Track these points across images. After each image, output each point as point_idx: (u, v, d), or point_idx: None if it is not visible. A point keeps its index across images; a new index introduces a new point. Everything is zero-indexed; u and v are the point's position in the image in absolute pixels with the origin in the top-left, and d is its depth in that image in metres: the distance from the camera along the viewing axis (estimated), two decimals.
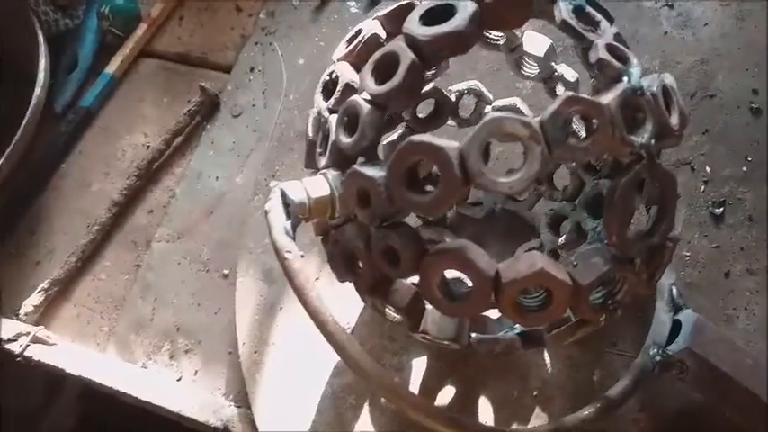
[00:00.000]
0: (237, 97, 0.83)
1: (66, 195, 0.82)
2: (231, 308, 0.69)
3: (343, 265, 0.49)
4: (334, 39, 0.79)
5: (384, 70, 0.44)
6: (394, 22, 0.50)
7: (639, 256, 0.43)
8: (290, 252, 0.44)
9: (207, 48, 0.88)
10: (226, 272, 0.73)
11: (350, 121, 0.45)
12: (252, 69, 0.85)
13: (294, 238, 0.45)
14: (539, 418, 0.58)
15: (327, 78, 0.49)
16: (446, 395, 0.60)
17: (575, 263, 0.42)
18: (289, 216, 0.45)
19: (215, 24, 0.90)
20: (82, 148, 0.84)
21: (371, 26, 0.50)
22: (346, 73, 0.48)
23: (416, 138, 0.40)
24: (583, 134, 0.42)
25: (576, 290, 0.41)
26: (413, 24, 0.43)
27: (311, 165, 0.51)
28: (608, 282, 0.42)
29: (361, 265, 0.47)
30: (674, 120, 0.43)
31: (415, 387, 0.61)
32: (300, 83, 0.81)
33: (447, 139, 0.40)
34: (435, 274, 0.42)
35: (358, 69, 0.49)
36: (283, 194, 0.45)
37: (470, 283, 0.42)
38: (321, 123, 0.49)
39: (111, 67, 0.87)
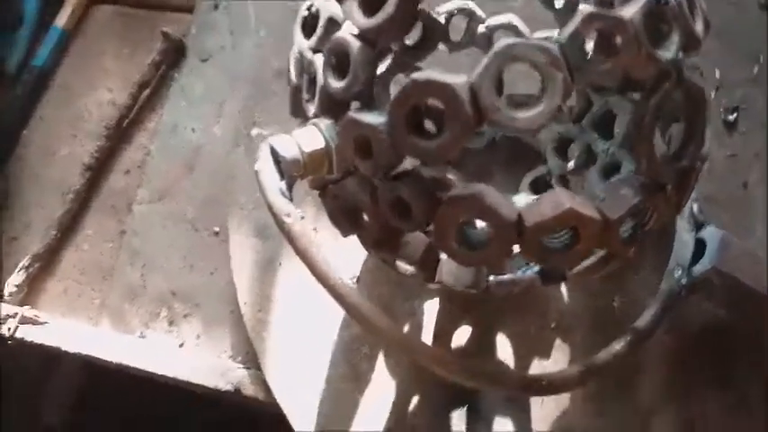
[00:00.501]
0: (204, 40, 0.77)
1: (34, 164, 0.76)
2: (227, 267, 0.65)
3: (345, 219, 0.45)
4: None
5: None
6: None
7: (669, 181, 0.39)
8: (288, 215, 0.40)
9: None
10: (216, 229, 0.69)
11: (339, 62, 0.40)
12: (216, 7, 0.78)
13: (291, 199, 0.41)
14: (560, 351, 0.56)
15: (306, 13, 0.44)
16: (461, 336, 0.58)
17: (602, 196, 0.39)
18: (282, 174, 0.41)
19: None
20: (42, 113, 0.79)
21: None
22: (328, 5, 0.42)
23: (419, 76, 0.35)
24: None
25: (606, 225, 0.37)
26: None
27: (298, 113, 0.46)
28: (637, 212, 0.39)
29: (366, 218, 0.44)
30: (698, 27, 0.38)
31: (429, 331, 0.58)
32: (270, 17, 0.74)
33: (453, 74, 0.36)
34: (451, 224, 0.38)
35: (340, 0, 0.44)
36: (273, 151, 0.41)
37: (489, 229, 0.38)
38: (305, 65, 0.44)
39: (61, 20, 0.79)
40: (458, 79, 0.35)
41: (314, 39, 0.42)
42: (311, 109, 0.43)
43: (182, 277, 0.69)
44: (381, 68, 0.54)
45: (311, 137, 0.41)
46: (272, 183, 0.40)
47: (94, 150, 0.73)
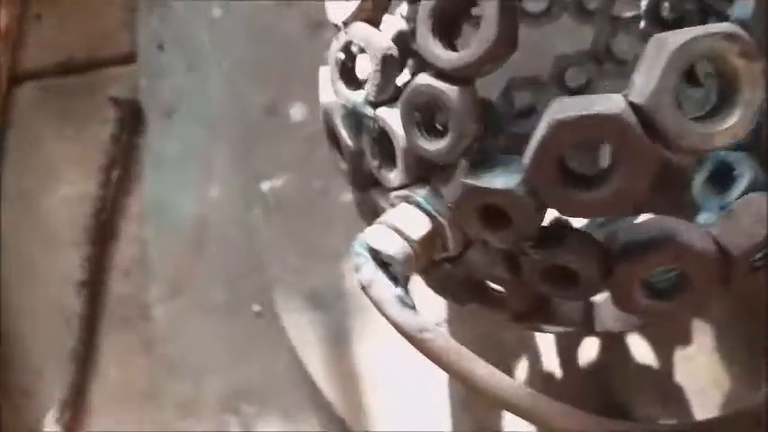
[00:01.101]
0: (160, 90, 0.64)
1: (17, 294, 0.64)
2: (283, 348, 0.56)
3: (467, 294, 0.35)
4: None
5: (450, 20, 0.28)
6: None
7: None
8: (423, 330, 0.30)
9: (91, 41, 0.67)
10: (256, 309, 0.59)
11: (426, 114, 0.29)
12: (161, 47, 0.65)
13: (414, 306, 0.31)
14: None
15: (342, 55, 0.33)
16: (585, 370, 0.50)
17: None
18: (395, 279, 0.30)
19: (86, 6, 0.67)
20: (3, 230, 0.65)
21: None
22: (373, 39, 0.31)
23: (563, 115, 0.25)
24: None
25: None
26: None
27: (362, 182, 0.36)
28: None
29: (502, 289, 0.34)
30: None
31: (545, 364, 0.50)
32: (231, 43, 0.62)
33: (602, 96, 0.26)
34: (636, 282, 0.29)
35: (378, 26, 0.33)
36: (374, 252, 0.30)
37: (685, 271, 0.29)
38: (364, 124, 0.33)
39: None
40: (613, 105, 0.25)
41: (370, 87, 0.31)
42: (392, 178, 0.32)
43: (237, 373, 0.58)
44: None
45: (412, 218, 0.31)
46: (389, 295, 0.30)
47: (81, 260, 0.61)
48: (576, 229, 0.29)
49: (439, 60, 0.27)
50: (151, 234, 0.62)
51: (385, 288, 0.30)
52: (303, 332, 0.55)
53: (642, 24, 0.46)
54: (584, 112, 0.25)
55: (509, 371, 0.51)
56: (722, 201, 0.42)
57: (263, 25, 0.60)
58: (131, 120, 0.63)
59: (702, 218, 0.43)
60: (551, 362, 0.50)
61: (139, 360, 0.61)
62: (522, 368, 0.51)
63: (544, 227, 0.29)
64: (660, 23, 0.45)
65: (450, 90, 0.27)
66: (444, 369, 0.30)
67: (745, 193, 0.41)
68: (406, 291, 0.31)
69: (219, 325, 0.59)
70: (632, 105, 0.25)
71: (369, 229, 0.31)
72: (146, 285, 0.61)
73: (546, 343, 0.51)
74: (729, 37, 0.24)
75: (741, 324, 0.49)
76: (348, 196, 0.56)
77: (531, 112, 0.52)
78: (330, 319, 0.54)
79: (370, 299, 0.30)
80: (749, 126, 0.25)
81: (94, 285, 0.62)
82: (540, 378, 0.50)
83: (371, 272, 0.30)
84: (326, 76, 0.37)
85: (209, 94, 0.62)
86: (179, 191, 0.62)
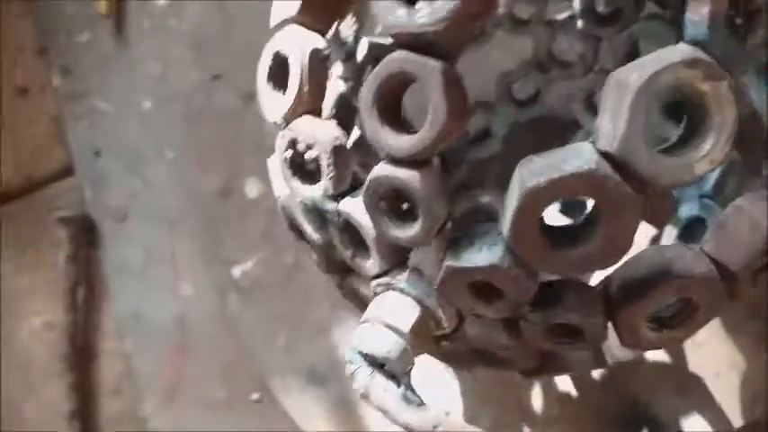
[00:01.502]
0: (107, 197, 0.61)
1: None
2: None
3: (471, 360, 0.34)
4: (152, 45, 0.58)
5: (394, 101, 0.26)
6: (316, 13, 0.31)
7: None
8: (437, 426, 0.28)
9: (24, 162, 0.64)
10: (255, 397, 0.57)
11: (392, 203, 0.28)
12: (97, 153, 0.62)
13: (421, 399, 0.29)
14: None
15: (290, 152, 0.31)
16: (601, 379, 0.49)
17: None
18: (394, 377, 0.29)
19: (11, 128, 0.65)
20: None
21: (293, 38, 0.31)
22: (319, 134, 0.29)
23: (535, 182, 0.24)
24: None
25: None
26: (393, 12, 0.25)
27: (335, 270, 0.34)
28: None
29: (504, 354, 0.32)
30: None
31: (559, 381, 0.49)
32: (167, 131, 0.60)
33: (570, 149, 0.24)
34: (641, 322, 0.28)
35: (318, 115, 0.31)
36: (369, 357, 0.29)
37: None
38: (328, 218, 0.31)
39: None
40: (589, 158, 0.24)
41: (326, 182, 0.30)
42: (368, 266, 0.31)
43: None
44: None
45: (399, 307, 0.29)
46: (393, 398, 0.28)
47: (66, 390, 0.58)
48: (572, 282, 0.28)
49: (393, 150, 0.26)
50: (132, 347, 0.59)
51: (385, 392, 0.28)
52: (307, 412, 0.53)
53: (579, 24, 0.46)
54: (555, 176, 0.24)
55: (526, 402, 0.49)
56: (700, 189, 0.41)
57: (197, 106, 0.59)
58: (84, 235, 0.61)
59: (684, 210, 0.42)
60: (566, 383, 0.49)
61: None
62: (538, 395, 0.49)
63: (539, 286, 0.28)
64: (597, 19, 0.45)
65: (411, 177, 0.26)
66: None
67: (720, 178, 0.41)
68: (410, 386, 0.29)
69: (221, 422, 0.57)
70: (603, 155, 0.24)
71: (356, 332, 0.29)
72: (138, 399, 0.59)
73: None
74: (692, 63, 0.23)
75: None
76: None
77: (487, 136, 0.51)
78: (331, 393, 0.52)
79: (373, 406, 0.29)
80: (726, 148, 0.24)
81: (85, 412, 0.59)
82: (558, 400, 0.49)
83: (367, 377, 0.28)
84: (276, 167, 0.35)
85: (158, 189, 0.60)
86: (150, 296, 0.59)
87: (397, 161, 0.26)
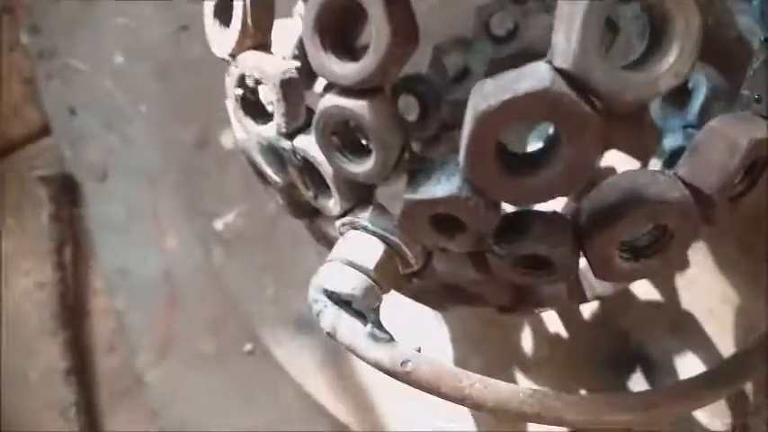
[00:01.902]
0: (86, 153, 0.60)
1: (7, 396, 0.61)
2: (289, 383, 0.53)
3: (445, 298, 0.33)
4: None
5: (338, 29, 0.25)
6: None
7: None
8: (406, 362, 0.27)
9: None
10: (248, 347, 0.56)
11: (344, 136, 0.26)
12: (72, 111, 0.61)
13: (390, 336, 0.28)
14: None
15: (240, 90, 0.30)
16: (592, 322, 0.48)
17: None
18: (361, 315, 0.28)
19: None
20: None
21: None
22: (266, 67, 0.28)
23: (487, 104, 0.22)
24: None
25: None
26: None
27: (301, 213, 0.33)
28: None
29: (476, 290, 0.31)
30: None
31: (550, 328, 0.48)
32: (140, 85, 0.58)
33: (524, 70, 0.23)
34: (613, 251, 0.27)
35: (268, 48, 0.30)
36: (333, 295, 0.28)
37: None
38: (285, 157, 0.30)
39: None
40: (543, 76, 0.22)
41: (278, 119, 0.28)
42: (331, 206, 0.30)
43: (247, 418, 0.56)
44: None
45: (363, 245, 0.28)
46: (360, 336, 0.27)
47: (61, 348, 0.58)
48: (539, 212, 0.27)
49: (338, 77, 0.24)
50: (122, 302, 0.59)
51: (352, 330, 0.27)
52: (299, 360, 0.52)
53: None
54: (508, 96, 0.22)
55: (516, 345, 0.49)
56: (683, 119, 0.39)
57: (167, 59, 0.57)
58: (66, 194, 0.60)
59: (668, 142, 0.41)
60: (555, 324, 0.48)
61: (148, 430, 0.58)
62: (528, 337, 0.49)
63: (504, 217, 0.27)
64: None
65: (360, 107, 0.24)
66: (436, 395, 0.28)
67: (704, 105, 0.39)
68: (378, 322, 0.28)
69: (215, 374, 0.57)
70: (560, 72, 0.22)
71: (321, 270, 0.29)
72: (133, 354, 0.59)
73: None
74: None
75: (735, 231, 0.47)
76: None
77: (467, 74, 0.49)
78: (320, 340, 0.52)
79: (342, 345, 0.28)
80: (692, 60, 0.22)
81: (81, 369, 0.59)
82: (548, 342, 0.48)
83: (334, 316, 0.28)
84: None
85: (135, 145, 0.59)
86: (136, 252, 0.59)
87: (345, 91, 0.25)
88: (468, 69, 0.48)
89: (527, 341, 0.48)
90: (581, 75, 0.22)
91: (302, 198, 0.32)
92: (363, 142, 0.27)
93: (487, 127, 0.23)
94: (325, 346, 0.52)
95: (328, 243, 0.34)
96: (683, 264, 0.45)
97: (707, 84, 0.38)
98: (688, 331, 0.47)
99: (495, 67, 0.49)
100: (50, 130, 0.61)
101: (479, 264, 0.29)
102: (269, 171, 0.31)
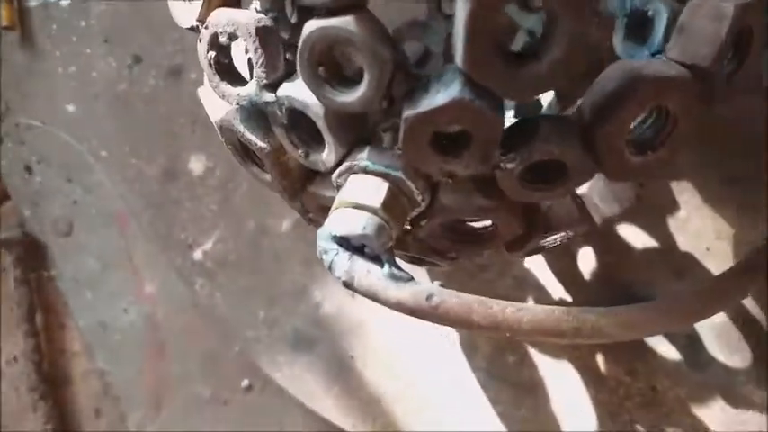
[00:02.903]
0: (48, 211, 0.58)
1: None
2: (296, 406, 0.50)
3: (454, 244, 0.31)
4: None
5: None
6: None
7: None
8: (430, 297, 0.26)
9: None
10: (245, 383, 0.53)
11: (331, 67, 0.25)
12: (28, 169, 0.58)
13: (410, 275, 0.27)
14: None
15: (213, 53, 0.28)
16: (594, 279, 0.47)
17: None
18: (377, 258, 0.26)
19: None
20: None
21: None
22: (238, 17, 0.27)
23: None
24: None
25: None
26: None
27: (294, 183, 0.32)
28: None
29: (490, 223, 0.30)
30: None
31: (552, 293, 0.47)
32: (95, 128, 0.56)
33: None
34: (623, 141, 0.26)
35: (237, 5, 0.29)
36: (341, 240, 0.26)
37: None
38: (269, 114, 0.29)
39: None
40: None
41: (259, 71, 0.27)
42: (323, 159, 0.28)
43: None
44: None
45: (366, 186, 0.27)
46: (378, 278, 0.26)
47: (43, 423, 0.54)
48: (543, 116, 0.26)
49: None
50: (105, 361, 0.56)
51: (369, 273, 0.26)
52: (302, 381, 0.50)
53: None
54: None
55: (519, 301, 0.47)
56: (650, 48, 0.40)
57: (122, 95, 0.55)
58: (30, 256, 0.57)
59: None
60: (557, 289, 0.47)
61: None
62: (530, 298, 0.47)
63: (507, 129, 0.26)
64: None
65: (345, 22, 0.24)
66: (467, 327, 0.26)
67: (668, 29, 0.39)
68: (395, 263, 0.26)
69: (216, 418, 0.53)
70: None
71: (327, 220, 0.27)
72: (123, 415, 0.55)
73: (545, 276, 0.48)
74: None
75: (716, 166, 0.48)
76: (287, 223, 0.51)
77: (428, 56, 0.49)
78: (323, 356, 0.49)
79: (359, 292, 0.26)
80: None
81: None
82: (551, 302, 0.47)
83: (347, 263, 0.26)
84: (207, 94, 0.33)
85: (100, 192, 0.57)
86: (114, 304, 0.56)
87: (328, 12, 0.24)
88: (429, 51, 0.48)
89: (530, 303, 0.47)
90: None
91: (291, 163, 0.30)
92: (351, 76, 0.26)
93: (486, 7, 0.22)
94: (327, 360, 0.50)
95: (324, 213, 0.32)
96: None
97: (667, 9, 0.38)
98: (690, 272, 0.46)
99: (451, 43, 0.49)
100: (8, 194, 0.58)
101: (487, 189, 0.27)
102: (254, 137, 0.29)
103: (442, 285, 0.26)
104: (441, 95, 0.24)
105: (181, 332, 0.54)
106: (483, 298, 0.26)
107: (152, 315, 0.55)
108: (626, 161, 0.27)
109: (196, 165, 0.53)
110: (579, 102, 0.27)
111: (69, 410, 0.56)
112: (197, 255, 0.52)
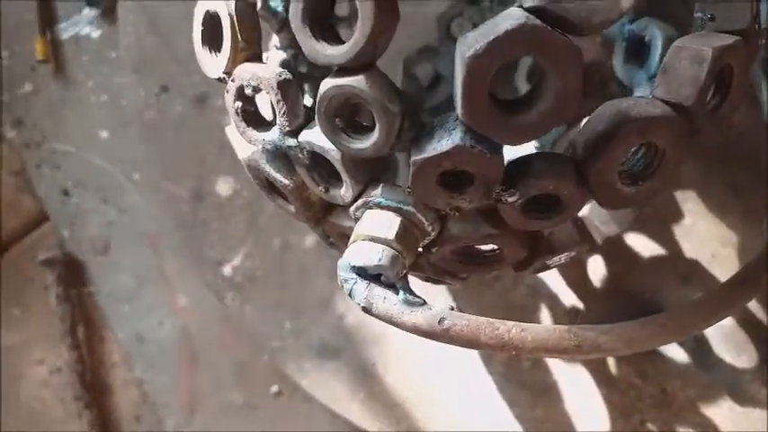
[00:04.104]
0: (85, 232, 0.61)
1: None
2: (323, 412, 0.53)
3: (463, 265, 0.34)
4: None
5: (325, 17, 0.27)
6: None
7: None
8: (442, 321, 0.28)
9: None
10: (274, 389, 0.56)
11: (347, 117, 0.28)
12: (65, 192, 0.62)
13: (423, 300, 0.29)
14: None
15: (239, 103, 0.31)
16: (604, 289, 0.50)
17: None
18: (392, 285, 0.29)
19: None
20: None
21: None
22: (261, 72, 0.30)
23: (473, 49, 0.24)
24: None
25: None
26: None
27: (316, 214, 0.35)
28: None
29: (496, 247, 0.33)
30: None
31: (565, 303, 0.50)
32: (127, 153, 0.60)
33: (499, 16, 0.25)
34: (614, 175, 0.28)
35: (260, 59, 0.32)
36: (359, 270, 0.29)
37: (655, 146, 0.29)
38: (292, 157, 0.32)
39: None
40: (518, 15, 0.24)
41: (281, 120, 0.30)
42: (341, 195, 0.31)
43: None
44: None
45: (380, 220, 0.30)
46: (394, 305, 0.29)
47: (88, 428, 0.58)
48: (538, 154, 0.29)
49: (334, 59, 0.26)
50: (142, 370, 0.59)
51: (386, 300, 0.28)
52: (328, 387, 0.53)
53: None
54: (491, 38, 0.24)
55: (533, 317, 0.50)
56: (647, 71, 0.42)
57: (152, 122, 0.59)
58: (70, 273, 0.60)
59: (639, 94, 0.43)
60: (569, 298, 0.50)
61: None
62: (546, 317, 0.50)
63: (507, 167, 0.29)
64: None
65: (357, 81, 0.26)
66: (477, 347, 0.29)
67: (664, 54, 0.42)
68: (409, 289, 0.29)
69: (248, 423, 0.57)
70: (533, 11, 0.25)
71: (346, 253, 0.30)
72: (160, 420, 0.58)
73: (557, 284, 0.50)
74: None
75: (718, 174, 0.49)
76: (310, 239, 0.54)
77: (440, 80, 0.52)
78: (348, 363, 0.52)
79: (378, 317, 0.29)
80: None
81: None
82: (567, 316, 0.50)
83: (365, 291, 0.29)
84: (234, 133, 0.36)
85: (133, 213, 0.60)
86: (150, 317, 0.59)
87: (341, 71, 0.27)
88: (440, 75, 0.51)
89: (546, 321, 0.49)
90: (552, 9, 0.24)
91: (313, 197, 0.33)
92: (365, 123, 0.29)
93: (478, 70, 0.25)
94: (351, 367, 0.53)
95: (344, 240, 0.35)
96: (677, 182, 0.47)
97: (662, 35, 0.40)
98: (697, 278, 0.48)
99: None
100: (47, 216, 0.62)
101: (492, 218, 0.30)
102: (278, 176, 0.32)
103: (457, 298, 0.29)
104: (444, 142, 0.27)
105: (213, 343, 0.57)
106: (491, 319, 0.29)
107: (186, 327, 0.58)
108: (618, 191, 0.29)
109: (223, 186, 0.56)
110: (573, 136, 0.29)
111: (111, 417, 0.60)
112: (227, 270, 0.55)
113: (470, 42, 0.25)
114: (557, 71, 0.25)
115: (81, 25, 0.63)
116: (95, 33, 0.62)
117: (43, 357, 0.61)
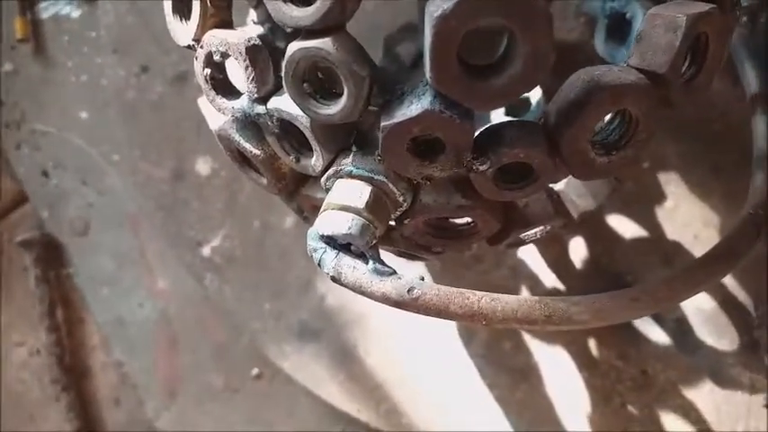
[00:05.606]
0: (64, 213, 0.61)
1: None
2: (304, 395, 0.53)
3: (437, 238, 0.34)
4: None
5: None
6: None
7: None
8: (411, 290, 0.28)
9: None
10: (255, 372, 0.56)
11: (315, 82, 0.28)
12: (45, 173, 0.61)
13: (393, 269, 0.29)
14: None
15: (208, 70, 0.31)
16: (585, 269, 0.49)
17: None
18: (361, 255, 0.29)
19: None
20: None
21: None
22: (230, 38, 0.29)
23: (442, 9, 0.24)
24: None
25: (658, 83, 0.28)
26: None
27: (288, 186, 0.34)
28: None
29: (470, 220, 0.32)
30: None
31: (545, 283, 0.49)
32: (107, 133, 0.59)
33: None
34: (587, 144, 0.28)
35: (231, 26, 0.31)
36: (328, 239, 0.28)
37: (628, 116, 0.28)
38: (261, 125, 0.31)
39: None
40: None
41: (249, 86, 0.30)
42: (312, 164, 0.31)
43: None
44: None
45: (350, 189, 0.29)
46: (363, 274, 0.28)
47: (65, 413, 0.57)
48: (510, 122, 0.28)
49: (301, 20, 0.26)
50: (122, 353, 0.59)
51: (355, 269, 0.28)
52: (308, 370, 0.52)
53: None
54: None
55: (514, 291, 0.50)
56: (628, 48, 0.41)
57: (131, 102, 0.58)
58: (49, 255, 0.60)
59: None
60: (550, 279, 0.49)
61: None
62: (524, 289, 0.50)
63: (478, 136, 0.28)
64: None
65: (324, 43, 0.26)
66: (446, 317, 0.28)
67: None
68: (379, 259, 0.29)
69: (228, 406, 0.56)
70: None
71: (316, 222, 0.29)
72: (140, 404, 0.58)
73: (538, 266, 0.50)
74: None
75: (701, 155, 0.49)
76: (290, 220, 0.54)
77: (420, 59, 0.51)
78: (328, 344, 0.52)
79: (347, 286, 0.28)
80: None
81: (89, 429, 0.58)
82: (545, 291, 0.49)
83: (334, 260, 0.28)
84: (206, 104, 0.35)
85: (113, 194, 0.60)
86: (129, 300, 0.59)
87: (308, 33, 0.26)
88: (422, 52, 0.50)
89: (524, 294, 0.49)
90: None
91: (284, 168, 0.33)
92: (335, 91, 0.28)
93: (445, 32, 0.24)
94: (331, 349, 0.52)
95: (317, 213, 0.35)
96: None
97: (643, 11, 0.40)
98: (679, 259, 0.48)
99: None
100: (26, 197, 0.61)
101: (464, 188, 0.30)
102: (248, 146, 0.32)
103: (437, 280, 0.29)
104: (414, 106, 0.26)
105: (192, 325, 0.57)
106: (461, 289, 0.28)
107: (165, 309, 0.58)
108: (591, 161, 0.29)
109: (203, 166, 0.56)
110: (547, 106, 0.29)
111: (91, 400, 0.59)
112: (206, 251, 0.55)
113: (438, 2, 0.24)
114: (526, 35, 0.24)
115: (61, 5, 0.62)
116: (75, 13, 0.61)
117: (23, 340, 0.60)
